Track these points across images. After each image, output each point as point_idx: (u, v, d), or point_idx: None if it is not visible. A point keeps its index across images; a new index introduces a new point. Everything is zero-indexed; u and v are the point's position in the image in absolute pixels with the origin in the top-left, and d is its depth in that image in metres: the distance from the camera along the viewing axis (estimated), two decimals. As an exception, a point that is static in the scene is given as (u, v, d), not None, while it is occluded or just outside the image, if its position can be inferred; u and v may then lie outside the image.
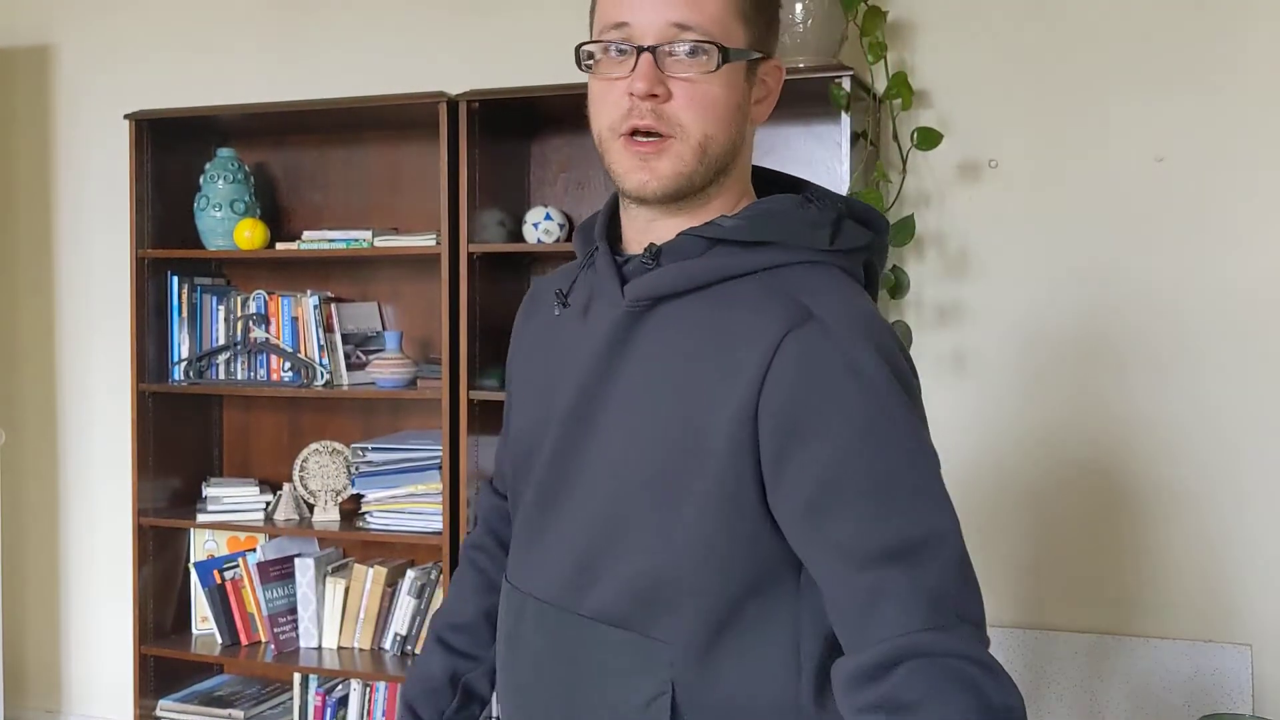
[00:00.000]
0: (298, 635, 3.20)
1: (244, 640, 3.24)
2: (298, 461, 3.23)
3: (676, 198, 1.05)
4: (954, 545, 0.95)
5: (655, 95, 1.01)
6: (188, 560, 3.34)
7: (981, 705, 0.89)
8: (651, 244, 1.07)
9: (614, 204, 1.15)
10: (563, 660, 1.08)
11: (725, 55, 1.01)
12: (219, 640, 3.23)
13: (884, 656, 0.92)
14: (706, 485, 1.00)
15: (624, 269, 1.09)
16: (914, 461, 0.96)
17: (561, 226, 2.96)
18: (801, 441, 0.96)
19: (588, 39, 1.07)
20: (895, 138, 2.75)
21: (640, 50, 1.01)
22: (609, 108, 1.04)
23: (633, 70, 1.01)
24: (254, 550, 3.24)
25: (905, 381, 0.98)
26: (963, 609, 0.93)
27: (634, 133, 1.03)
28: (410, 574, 3.11)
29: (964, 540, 0.96)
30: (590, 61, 1.06)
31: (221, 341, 3.26)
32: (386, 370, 3.04)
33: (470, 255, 2.88)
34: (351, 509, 3.20)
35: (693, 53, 1.01)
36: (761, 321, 0.99)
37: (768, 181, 1.16)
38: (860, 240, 1.07)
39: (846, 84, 2.53)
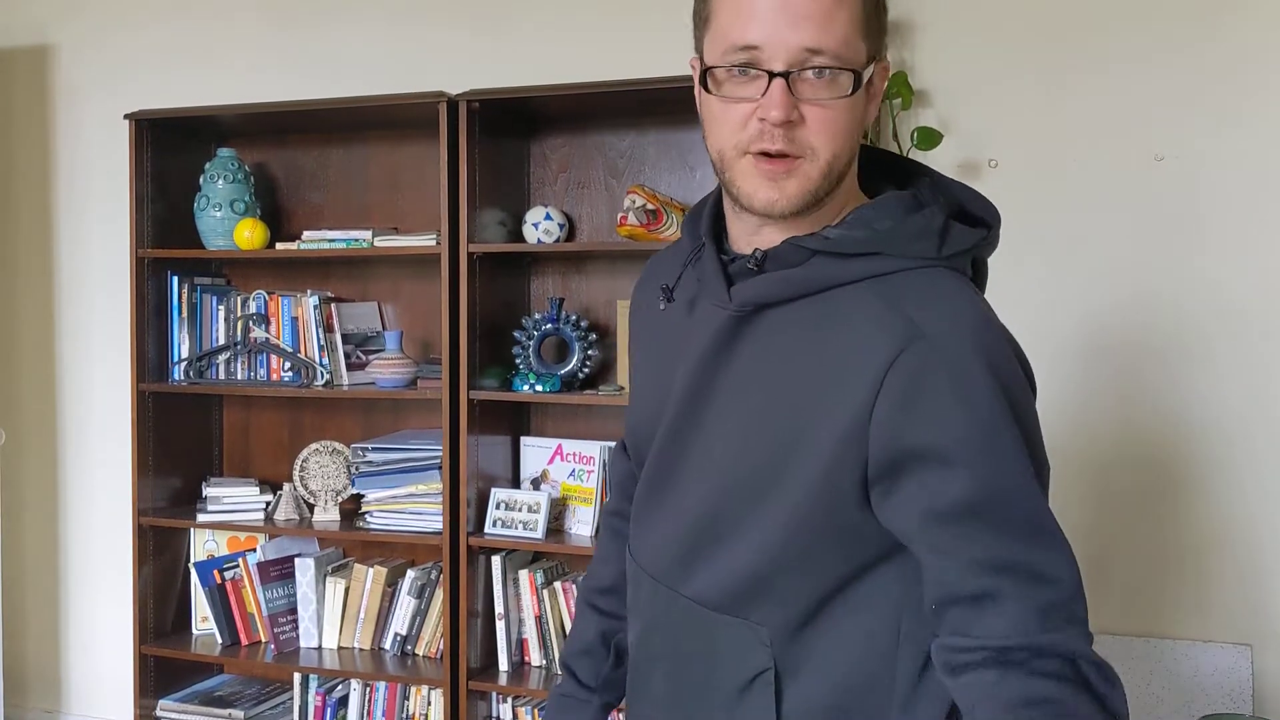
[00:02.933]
0: (298, 635, 3.20)
1: (244, 640, 3.24)
2: (298, 461, 3.23)
3: (801, 214, 1.06)
4: (1068, 568, 0.99)
5: (790, 122, 1.01)
6: (188, 560, 3.34)
7: (1102, 708, 0.95)
8: (758, 250, 1.08)
9: (719, 197, 1.16)
10: (669, 635, 1.16)
11: (858, 81, 1.02)
12: (219, 640, 3.23)
13: (999, 645, 0.96)
14: (807, 486, 1.03)
15: (729, 268, 1.11)
16: (1018, 483, 0.99)
17: (561, 226, 2.96)
18: (914, 460, 0.98)
19: (707, 59, 1.05)
20: (895, 137, 2.75)
21: (772, 75, 1.00)
22: (733, 128, 1.03)
23: (763, 94, 1.00)
24: (254, 550, 3.24)
25: (1013, 396, 0.99)
26: (1072, 614, 0.97)
27: (763, 153, 1.03)
28: (410, 574, 3.11)
29: (1072, 551, 1.01)
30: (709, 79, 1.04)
31: (221, 341, 3.26)
32: (386, 370, 3.04)
33: (470, 255, 2.88)
34: (351, 509, 3.20)
35: (820, 74, 1.01)
36: (872, 338, 1.00)
37: (876, 163, 1.17)
38: (967, 242, 1.06)
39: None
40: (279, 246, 3.14)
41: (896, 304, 1.00)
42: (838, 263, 1.04)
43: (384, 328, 3.29)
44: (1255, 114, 2.64)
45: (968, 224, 1.09)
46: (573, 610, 2.93)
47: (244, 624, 3.24)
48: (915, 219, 1.05)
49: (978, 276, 1.14)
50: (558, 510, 2.97)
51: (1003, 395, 0.98)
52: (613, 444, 2.97)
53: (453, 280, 2.89)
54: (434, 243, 2.94)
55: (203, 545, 3.35)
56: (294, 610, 3.20)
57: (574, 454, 2.98)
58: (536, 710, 2.96)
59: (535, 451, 3.06)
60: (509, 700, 3.00)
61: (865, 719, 1.08)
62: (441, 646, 2.99)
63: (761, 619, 1.08)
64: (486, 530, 2.93)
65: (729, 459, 1.08)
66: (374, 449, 3.07)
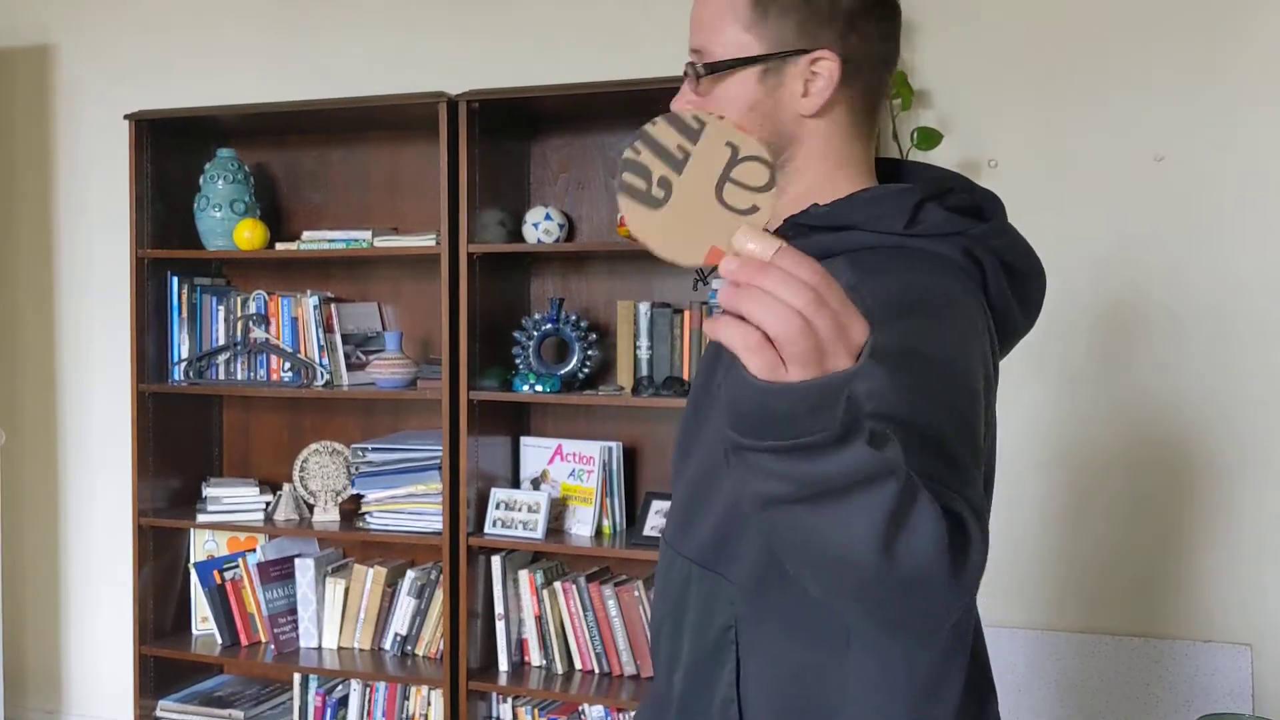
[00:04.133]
0: (298, 635, 3.20)
1: (244, 640, 3.24)
2: (298, 461, 3.23)
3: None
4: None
5: None
6: (188, 560, 3.34)
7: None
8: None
9: None
10: (670, 593, 1.23)
11: (699, 71, 1.14)
12: (219, 640, 3.23)
13: None
14: None
15: None
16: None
17: (561, 226, 2.96)
18: None
19: None
20: (895, 138, 2.75)
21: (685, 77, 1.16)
22: None
23: None
24: (254, 550, 3.24)
25: (944, 346, 1.00)
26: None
27: None
28: (410, 574, 3.10)
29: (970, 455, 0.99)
30: None
31: (221, 342, 3.26)
32: (386, 370, 3.04)
33: (470, 255, 2.88)
34: (351, 509, 3.20)
35: (702, 71, 1.14)
36: None
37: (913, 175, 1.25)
38: (945, 226, 1.08)
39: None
40: (279, 247, 3.14)
41: (857, 271, 1.04)
42: (822, 236, 1.10)
43: (384, 328, 3.29)
44: (1255, 114, 2.64)
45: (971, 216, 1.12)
46: (572, 610, 2.93)
47: (244, 624, 3.24)
48: (889, 199, 1.10)
49: (1011, 282, 1.15)
50: (557, 510, 2.97)
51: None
52: (613, 444, 2.99)
53: (452, 280, 2.89)
54: (434, 243, 2.94)
55: (203, 545, 3.35)
56: (294, 610, 3.20)
57: (574, 454, 2.98)
58: (536, 710, 2.96)
59: (535, 451, 3.06)
60: (509, 700, 3.00)
61: (815, 710, 1.11)
62: (441, 647, 2.99)
63: (732, 575, 1.14)
64: (486, 530, 2.93)
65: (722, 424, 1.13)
66: (374, 449, 3.07)
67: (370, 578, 3.13)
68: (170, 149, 3.23)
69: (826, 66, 1.12)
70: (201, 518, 3.20)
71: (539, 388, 2.87)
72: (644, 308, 2.91)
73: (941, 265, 1.08)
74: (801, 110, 1.13)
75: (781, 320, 0.70)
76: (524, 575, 2.97)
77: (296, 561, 3.18)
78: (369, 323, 3.28)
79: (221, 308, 3.26)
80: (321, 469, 3.22)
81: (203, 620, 3.30)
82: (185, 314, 3.25)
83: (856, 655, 1.10)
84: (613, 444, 2.97)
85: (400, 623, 3.10)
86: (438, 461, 2.98)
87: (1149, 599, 2.74)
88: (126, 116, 3.16)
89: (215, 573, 3.22)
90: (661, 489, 2.96)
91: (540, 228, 2.94)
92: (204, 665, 3.35)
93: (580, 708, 2.92)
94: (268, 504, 3.22)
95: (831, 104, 1.13)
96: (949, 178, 1.20)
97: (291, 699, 3.21)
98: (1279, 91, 2.63)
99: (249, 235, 3.10)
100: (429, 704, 3.05)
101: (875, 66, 1.14)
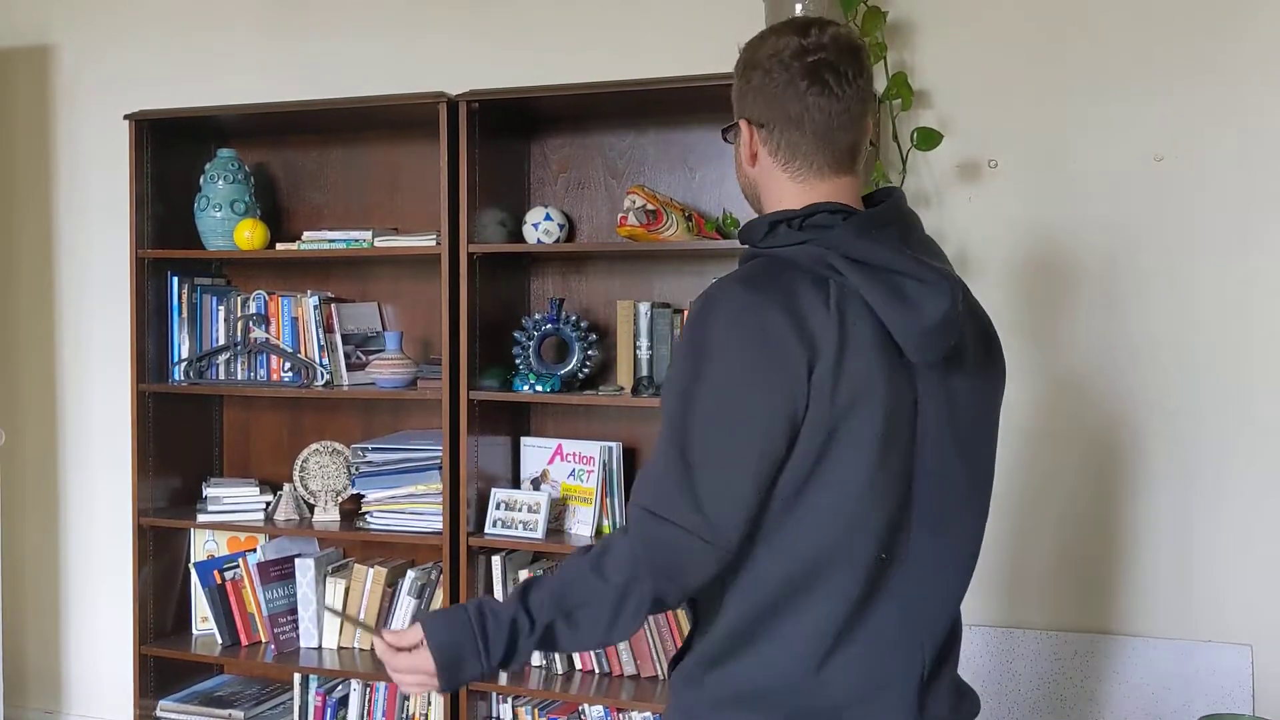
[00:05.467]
0: (298, 635, 3.20)
1: (244, 640, 3.24)
2: (298, 461, 3.23)
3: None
4: (659, 457, 1.33)
5: None
6: (188, 560, 3.34)
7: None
8: None
9: None
10: None
11: (724, 137, 1.53)
12: (219, 640, 3.23)
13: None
14: None
15: None
16: (670, 405, 1.35)
17: (561, 227, 2.96)
18: None
19: None
20: (895, 138, 2.75)
21: None
22: None
23: None
24: (254, 550, 3.24)
25: (698, 342, 1.33)
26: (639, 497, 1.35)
27: None
28: (410, 574, 3.11)
29: (678, 454, 1.30)
30: None
31: (221, 341, 3.26)
32: (386, 370, 3.04)
33: (470, 255, 2.88)
34: (351, 509, 3.20)
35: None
36: None
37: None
38: (793, 238, 1.39)
39: (846, 84, 2.53)
40: (279, 247, 3.14)
41: (718, 281, 1.38)
42: (744, 250, 1.47)
43: (384, 328, 3.29)
44: (1255, 114, 2.64)
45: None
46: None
47: (244, 624, 3.24)
48: (758, 220, 1.44)
49: (879, 280, 1.36)
50: (558, 510, 2.97)
51: (690, 340, 1.34)
52: (613, 444, 2.99)
53: (453, 280, 2.89)
54: (434, 243, 2.94)
55: (203, 545, 3.35)
56: (294, 610, 3.20)
57: (574, 454, 2.98)
58: (536, 710, 2.96)
59: (535, 451, 3.06)
60: (509, 700, 3.00)
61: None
62: (441, 647, 2.98)
63: None
64: (486, 530, 2.93)
65: None
66: (374, 449, 3.07)
67: (370, 578, 3.13)
68: (170, 149, 3.23)
69: (743, 131, 1.47)
70: (202, 518, 3.20)
71: (539, 388, 2.88)
72: (644, 308, 2.91)
73: (784, 265, 1.36)
74: (743, 163, 1.49)
75: (404, 686, 1.43)
76: (524, 575, 2.97)
77: (297, 561, 3.19)
78: (369, 323, 3.28)
79: (221, 308, 3.26)
80: (322, 469, 3.22)
81: (203, 620, 3.30)
82: (185, 314, 3.25)
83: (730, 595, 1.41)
84: (613, 444, 2.97)
85: (401, 622, 3.10)
86: (438, 461, 2.98)
87: (1149, 599, 2.74)
88: (126, 116, 3.16)
89: (215, 573, 3.22)
90: (661, 489, 2.96)
91: (540, 228, 2.94)
92: (204, 665, 3.35)
93: (580, 708, 2.92)
94: (268, 504, 3.22)
95: (760, 155, 1.46)
96: (872, 198, 1.52)
97: (292, 699, 3.21)
98: (1279, 91, 2.63)
99: (249, 235, 3.10)
100: (429, 704, 3.05)
101: (782, 120, 1.42)
